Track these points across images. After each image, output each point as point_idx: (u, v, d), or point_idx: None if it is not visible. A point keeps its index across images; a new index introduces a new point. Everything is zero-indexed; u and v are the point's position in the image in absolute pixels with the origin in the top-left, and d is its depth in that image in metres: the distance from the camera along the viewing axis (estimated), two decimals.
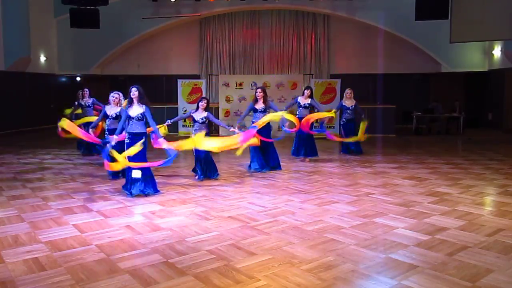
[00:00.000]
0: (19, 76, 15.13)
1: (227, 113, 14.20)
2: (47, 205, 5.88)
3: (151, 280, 3.56)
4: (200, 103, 7.40)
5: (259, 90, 8.18)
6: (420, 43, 15.69)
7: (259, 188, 6.88)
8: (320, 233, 4.69)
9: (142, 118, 6.23)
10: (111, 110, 7.65)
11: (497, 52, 15.11)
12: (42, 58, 16.44)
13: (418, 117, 14.79)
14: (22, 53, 15.13)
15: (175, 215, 5.39)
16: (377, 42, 16.14)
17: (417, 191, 6.59)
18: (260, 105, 8.13)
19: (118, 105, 7.62)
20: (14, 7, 14.63)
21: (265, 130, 7.98)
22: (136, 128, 6.23)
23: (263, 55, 17.28)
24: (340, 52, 17.04)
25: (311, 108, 9.17)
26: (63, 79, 17.90)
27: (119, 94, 7.73)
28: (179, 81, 14.55)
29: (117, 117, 7.44)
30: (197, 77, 16.86)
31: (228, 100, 14.16)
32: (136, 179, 6.21)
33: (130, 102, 6.29)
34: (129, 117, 6.22)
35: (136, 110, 6.21)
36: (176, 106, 14.47)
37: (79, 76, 18.21)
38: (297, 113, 9.12)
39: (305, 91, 9.29)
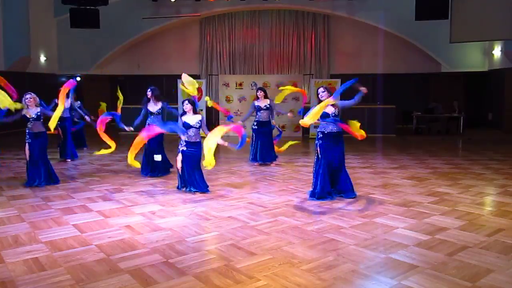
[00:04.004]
0: (19, 76, 15.08)
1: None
2: (47, 205, 5.88)
3: (151, 280, 3.56)
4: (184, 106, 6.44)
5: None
6: (420, 43, 15.68)
7: (259, 188, 6.88)
8: (320, 233, 4.69)
9: (160, 112, 7.86)
10: (31, 111, 7.02)
11: (497, 52, 15.10)
12: (42, 58, 16.43)
13: (418, 117, 14.78)
14: (22, 53, 15.12)
15: (175, 215, 5.39)
16: (377, 42, 16.12)
17: (417, 191, 6.59)
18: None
19: (36, 105, 7.10)
20: (14, 7, 14.62)
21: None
22: (155, 122, 7.54)
23: (263, 55, 17.26)
24: (340, 52, 17.02)
25: (271, 110, 8.67)
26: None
27: (31, 94, 7.14)
28: (179, 81, 14.51)
29: (38, 118, 7.05)
30: (197, 77, 16.82)
31: (228, 100, 14.16)
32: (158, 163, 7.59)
33: (148, 101, 7.82)
34: (150, 112, 7.78)
35: (155, 107, 7.83)
36: (176, 106, 14.42)
37: (79, 76, 18.20)
38: (257, 117, 8.66)
39: (258, 93, 8.71)
